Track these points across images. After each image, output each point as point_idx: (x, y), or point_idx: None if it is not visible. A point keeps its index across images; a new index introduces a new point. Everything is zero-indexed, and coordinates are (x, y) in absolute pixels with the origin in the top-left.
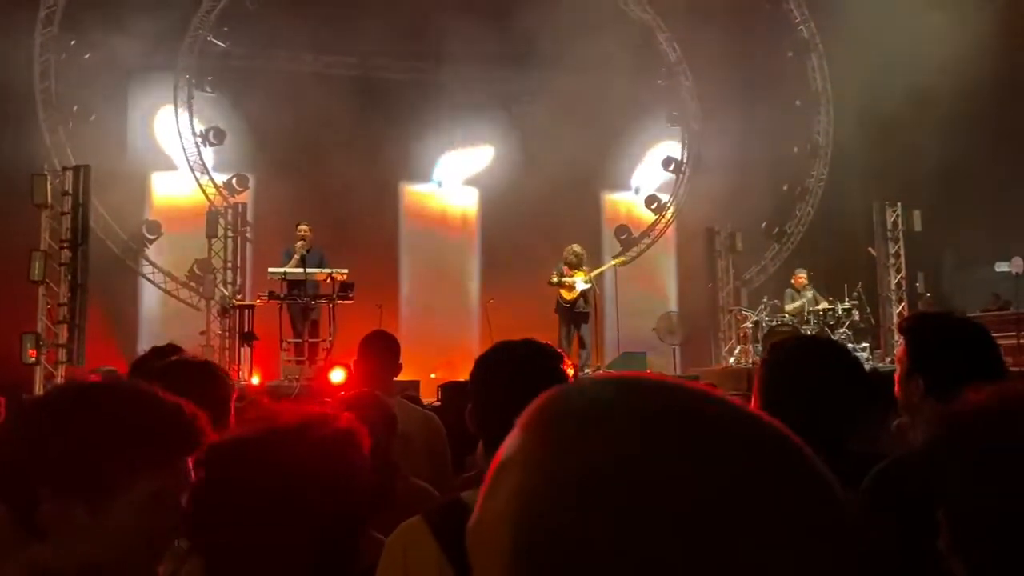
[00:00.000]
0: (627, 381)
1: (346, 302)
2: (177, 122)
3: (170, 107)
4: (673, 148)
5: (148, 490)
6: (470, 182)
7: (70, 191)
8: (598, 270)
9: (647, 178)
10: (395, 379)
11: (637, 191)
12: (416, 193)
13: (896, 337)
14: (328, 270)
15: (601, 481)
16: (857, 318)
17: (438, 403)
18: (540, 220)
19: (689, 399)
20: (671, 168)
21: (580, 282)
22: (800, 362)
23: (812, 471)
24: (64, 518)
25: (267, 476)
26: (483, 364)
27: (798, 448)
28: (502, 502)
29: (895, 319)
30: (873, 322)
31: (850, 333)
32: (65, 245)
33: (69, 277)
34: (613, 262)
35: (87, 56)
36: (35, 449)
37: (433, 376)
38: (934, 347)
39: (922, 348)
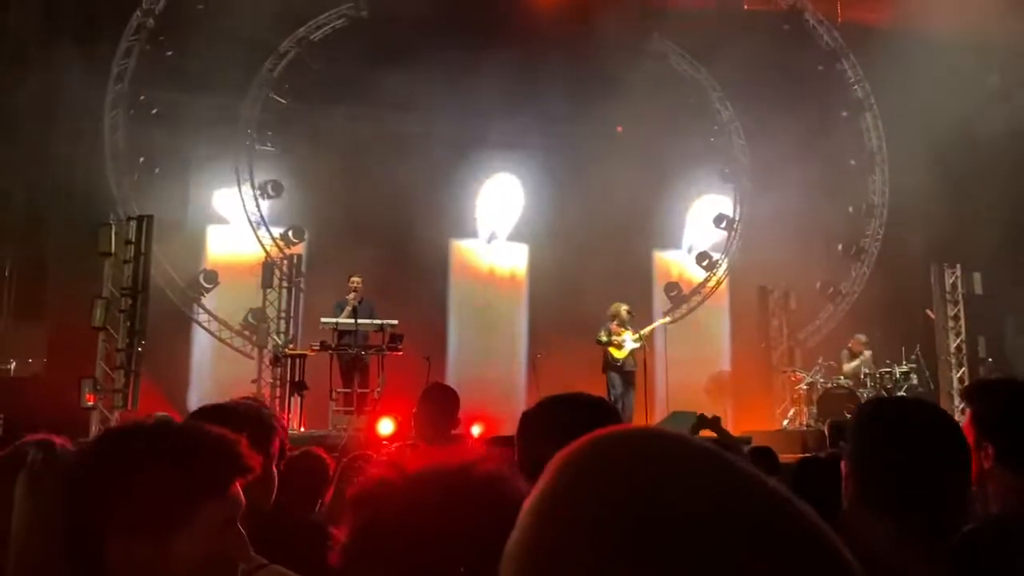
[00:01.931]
0: (636, 433)
1: (395, 353)
2: (237, 175)
3: (231, 160)
4: (725, 206)
5: (210, 519)
6: (520, 238)
7: (133, 240)
8: (647, 328)
9: (699, 236)
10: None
11: (689, 250)
12: (465, 248)
13: (956, 402)
14: (379, 321)
15: (592, 526)
16: (915, 382)
17: None
18: (590, 277)
19: (685, 450)
20: (723, 225)
21: (630, 340)
22: (901, 426)
23: (814, 531)
24: (130, 558)
25: (431, 514)
26: (531, 419)
27: (796, 505)
28: (508, 547)
29: (955, 383)
30: (932, 386)
31: (907, 397)
32: (126, 292)
33: (128, 324)
34: (661, 321)
35: (154, 111)
36: (98, 496)
37: (477, 432)
38: (1003, 413)
39: (990, 415)
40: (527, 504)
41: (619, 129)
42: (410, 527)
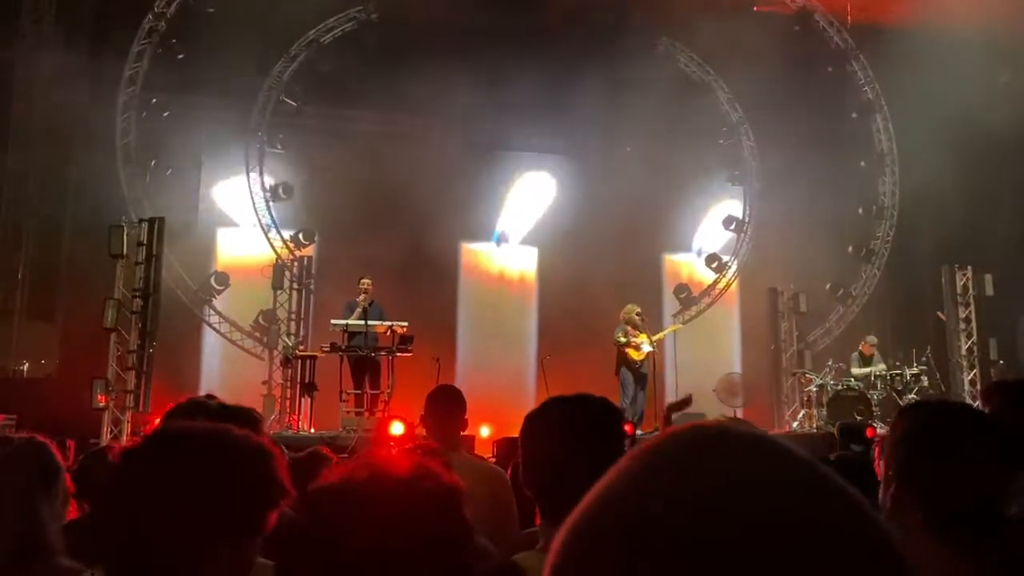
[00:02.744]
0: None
1: (405, 355)
2: (248, 178)
3: (242, 163)
4: (735, 208)
5: (266, 527)
6: (529, 241)
7: (144, 242)
8: (659, 335)
9: (709, 239)
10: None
11: (699, 253)
12: (475, 251)
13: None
14: (388, 323)
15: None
16: (926, 384)
17: (493, 459)
18: (599, 279)
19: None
20: (732, 227)
21: (646, 344)
22: (949, 431)
23: (857, 510)
24: (218, 561)
25: (372, 526)
26: (534, 418)
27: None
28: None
29: (966, 386)
30: (943, 388)
31: (918, 399)
32: (137, 294)
33: (140, 325)
34: (672, 328)
35: (166, 114)
36: (202, 501)
37: (486, 433)
38: (1020, 412)
39: (1007, 414)
40: (593, 491)
41: (628, 149)
42: (355, 532)
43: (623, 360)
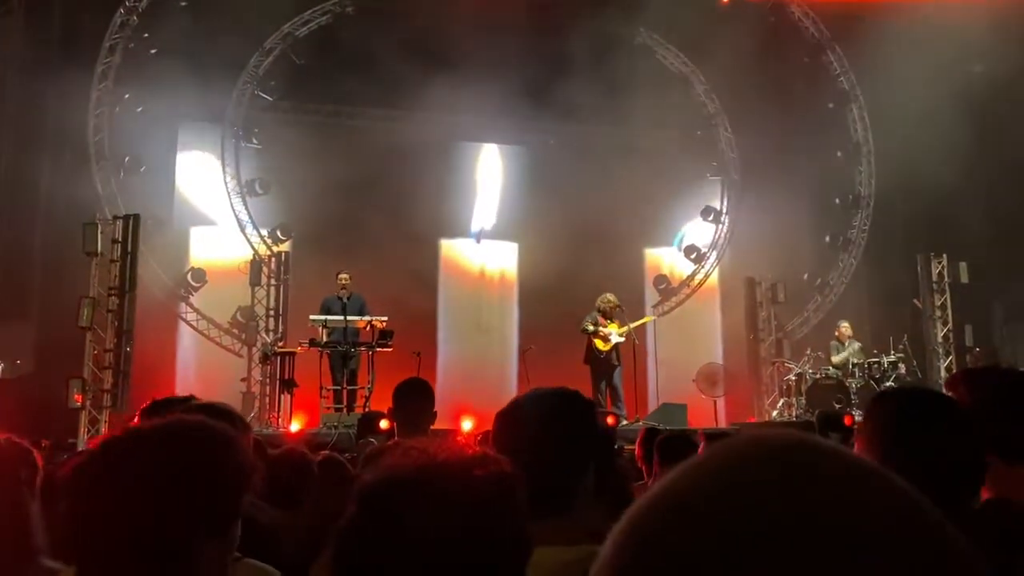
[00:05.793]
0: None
1: (385, 350)
2: (224, 173)
3: (217, 158)
4: (713, 199)
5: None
6: (509, 236)
7: (119, 239)
8: (633, 324)
9: (689, 231)
10: (431, 427)
11: (680, 245)
12: (454, 246)
13: (944, 391)
14: (368, 317)
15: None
16: (903, 371)
17: None
18: (580, 274)
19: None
20: (711, 218)
21: (615, 334)
22: (922, 419)
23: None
24: (210, 554)
25: (425, 515)
26: (512, 412)
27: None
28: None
29: (942, 372)
30: (920, 376)
31: (896, 387)
32: (113, 292)
33: (116, 323)
34: (648, 318)
35: (139, 109)
36: (191, 494)
37: (468, 427)
38: (988, 402)
39: (974, 404)
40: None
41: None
42: (409, 522)
43: (590, 349)
